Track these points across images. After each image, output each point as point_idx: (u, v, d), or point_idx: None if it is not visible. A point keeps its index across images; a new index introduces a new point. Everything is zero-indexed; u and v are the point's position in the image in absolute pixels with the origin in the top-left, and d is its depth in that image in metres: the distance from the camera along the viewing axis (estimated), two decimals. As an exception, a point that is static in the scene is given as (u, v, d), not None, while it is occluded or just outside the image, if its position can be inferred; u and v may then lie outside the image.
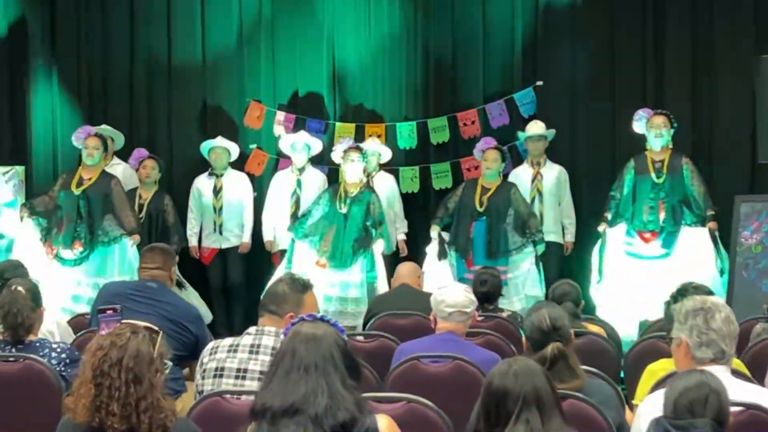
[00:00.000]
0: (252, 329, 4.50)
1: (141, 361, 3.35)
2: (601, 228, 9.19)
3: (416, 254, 9.74)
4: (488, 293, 7.09)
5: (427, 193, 10.57)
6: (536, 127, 9.80)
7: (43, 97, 10.83)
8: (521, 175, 9.80)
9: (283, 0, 10.80)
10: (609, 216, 9.17)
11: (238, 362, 4.39)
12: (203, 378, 4.45)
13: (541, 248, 9.26)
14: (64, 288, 9.04)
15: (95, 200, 9.19)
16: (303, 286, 4.60)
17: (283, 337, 3.35)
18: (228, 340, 4.51)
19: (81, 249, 9.13)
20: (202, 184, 10.15)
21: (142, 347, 3.38)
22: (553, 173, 9.80)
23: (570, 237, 9.84)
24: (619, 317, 8.47)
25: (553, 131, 9.88)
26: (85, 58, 10.92)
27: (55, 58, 10.91)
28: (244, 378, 4.36)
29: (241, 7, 10.85)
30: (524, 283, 9.10)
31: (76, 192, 9.22)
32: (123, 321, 3.86)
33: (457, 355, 5.08)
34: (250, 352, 4.39)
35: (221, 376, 4.39)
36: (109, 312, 4.50)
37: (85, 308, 8.26)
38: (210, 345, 4.58)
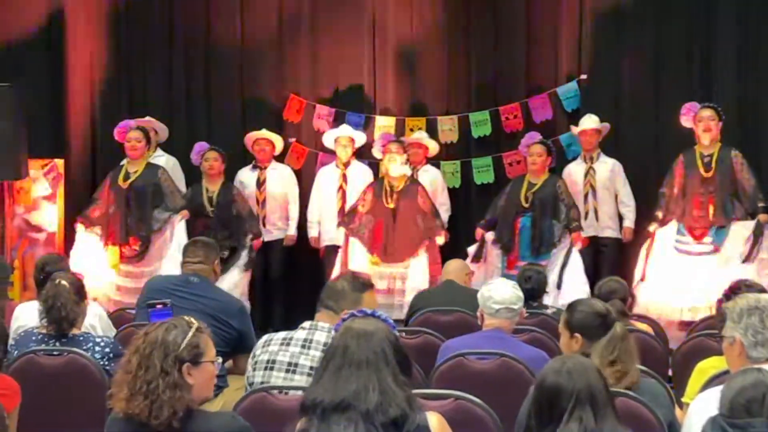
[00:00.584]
0: (306, 324, 4.52)
1: (157, 348, 3.39)
2: (651, 228, 9.09)
3: (456, 250, 9.71)
4: (533, 290, 7.04)
5: (469, 188, 10.54)
6: (589, 121, 9.72)
7: (81, 89, 10.90)
8: (574, 171, 9.74)
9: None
10: (660, 214, 9.07)
11: (290, 356, 4.42)
12: (254, 369, 4.49)
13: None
14: (126, 282, 9.19)
15: (143, 192, 9.28)
16: (363, 285, 4.62)
17: (334, 333, 3.36)
18: (282, 334, 4.54)
19: (138, 243, 9.24)
20: (246, 176, 10.16)
21: (165, 336, 3.42)
22: (607, 167, 9.71)
23: (629, 222, 9.66)
24: (664, 314, 8.43)
25: (607, 125, 9.80)
26: (124, 50, 10.98)
27: (95, 48, 10.96)
28: (294, 372, 4.38)
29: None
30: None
31: (124, 186, 9.30)
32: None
33: (503, 352, 5.08)
34: (303, 346, 4.42)
35: (272, 368, 4.42)
36: (159, 306, 4.54)
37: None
38: (265, 337, 4.62)
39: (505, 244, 9.23)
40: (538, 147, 9.34)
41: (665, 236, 9.01)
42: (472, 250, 9.30)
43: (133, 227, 9.26)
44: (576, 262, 9.02)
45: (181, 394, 3.36)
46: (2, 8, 10.80)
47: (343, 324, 3.39)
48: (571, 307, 4.75)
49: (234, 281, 9.34)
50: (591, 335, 4.45)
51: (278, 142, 10.27)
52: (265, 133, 10.21)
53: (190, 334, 3.44)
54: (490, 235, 9.32)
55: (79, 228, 9.36)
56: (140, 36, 11.01)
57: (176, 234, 9.19)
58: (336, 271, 9.30)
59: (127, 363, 3.41)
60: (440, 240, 9.25)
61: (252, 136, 10.21)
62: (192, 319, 3.52)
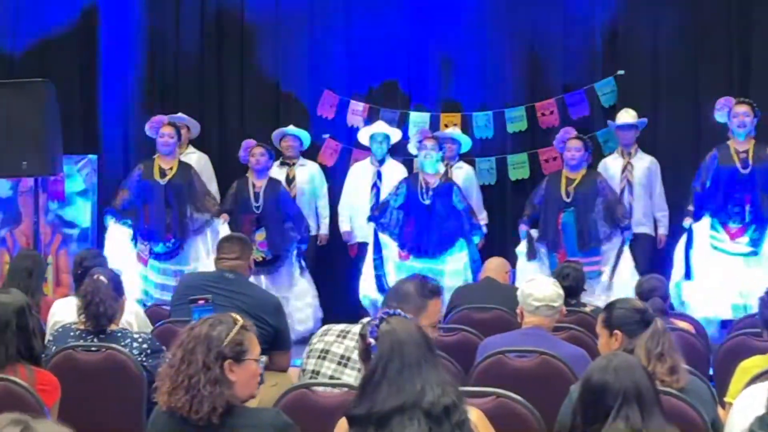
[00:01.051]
0: (366, 319, 4.53)
1: (200, 342, 3.41)
2: (686, 223, 9.04)
3: (490, 247, 9.70)
4: (571, 287, 7.01)
5: (504, 185, 10.53)
6: (627, 116, 9.69)
7: (114, 85, 10.96)
8: (611, 165, 9.70)
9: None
10: (693, 209, 9.05)
11: (344, 349, 4.44)
12: (308, 356, 4.51)
13: (628, 235, 9.13)
14: (157, 278, 9.25)
15: (180, 190, 9.31)
16: (431, 292, 4.58)
17: (372, 340, 3.34)
18: (341, 326, 4.56)
19: (172, 240, 9.27)
20: (274, 173, 10.09)
21: (209, 331, 3.44)
22: (644, 163, 9.68)
23: (663, 230, 9.67)
24: (703, 313, 8.39)
25: (644, 120, 9.75)
26: (158, 45, 11.03)
27: (127, 44, 11.02)
28: (345, 366, 4.40)
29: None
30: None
31: (162, 182, 9.33)
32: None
33: (543, 350, 5.07)
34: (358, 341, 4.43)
35: (324, 358, 4.45)
36: (201, 302, 4.57)
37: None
38: (324, 327, 4.65)
39: (551, 241, 9.18)
40: (576, 141, 9.28)
41: (700, 233, 8.96)
42: (522, 249, 9.24)
43: (171, 225, 9.30)
44: (627, 263, 9.00)
45: (221, 390, 3.38)
46: (36, 4, 10.89)
47: (381, 329, 3.37)
48: (609, 306, 4.80)
49: (304, 288, 9.43)
50: (631, 331, 4.48)
51: (306, 138, 10.27)
52: (292, 129, 10.22)
53: (234, 330, 3.45)
54: (534, 232, 9.29)
55: (109, 221, 9.41)
56: (173, 32, 11.05)
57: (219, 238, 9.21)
58: (367, 265, 9.35)
59: (172, 357, 3.44)
60: (476, 238, 9.25)
61: (279, 132, 10.23)
62: (238, 317, 3.54)
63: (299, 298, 9.55)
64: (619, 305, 4.73)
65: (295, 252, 9.57)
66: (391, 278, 8.97)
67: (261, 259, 9.35)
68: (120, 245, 9.24)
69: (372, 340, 3.30)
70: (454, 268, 9.12)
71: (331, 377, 4.40)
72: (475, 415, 3.35)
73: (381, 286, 9.15)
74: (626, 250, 9.07)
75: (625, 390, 3.27)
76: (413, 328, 3.33)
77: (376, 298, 9.16)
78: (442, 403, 3.14)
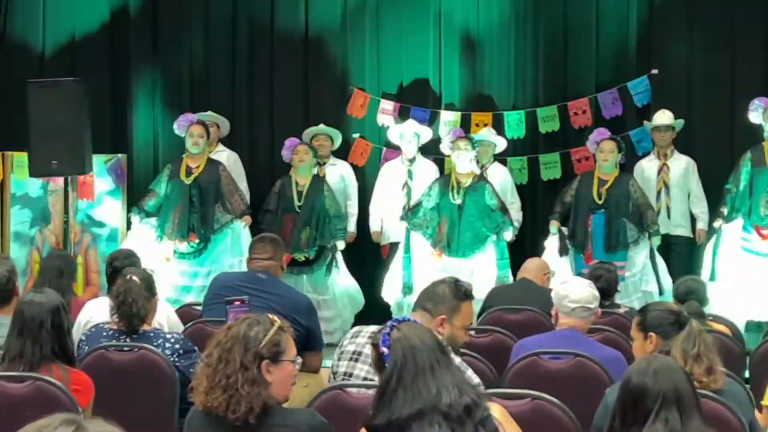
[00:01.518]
0: (374, 328, 4.54)
1: (238, 342, 3.43)
2: (716, 224, 9.05)
3: (521, 247, 9.70)
4: (604, 289, 6.99)
5: (536, 185, 10.52)
6: (663, 117, 9.65)
7: (144, 84, 11.02)
8: (646, 167, 9.67)
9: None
10: (725, 211, 9.02)
11: None
12: (339, 359, 4.52)
13: (656, 241, 9.13)
14: (176, 279, 9.26)
15: (206, 189, 9.37)
16: (464, 294, 4.59)
17: (385, 349, 3.35)
18: (371, 327, 4.56)
19: (196, 240, 9.31)
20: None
21: (247, 331, 3.46)
22: (681, 164, 9.66)
23: (702, 225, 9.60)
24: (730, 315, 8.36)
25: (681, 121, 9.72)
26: (187, 44, 11.07)
27: (157, 44, 11.07)
28: None
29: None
30: (642, 280, 9.00)
31: (187, 181, 9.38)
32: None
33: (578, 351, 5.06)
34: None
35: (357, 360, 4.46)
36: (237, 303, 4.59)
37: (193, 298, 8.41)
38: (355, 328, 4.65)
39: (579, 241, 9.20)
40: (609, 143, 9.28)
41: (731, 234, 8.94)
42: (552, 244, 9.26)
43: (195, 224, 9.33)
44: (663, 267, 8.99)
45: (258, 390, 3.40)
46: (66, 4, 10.96)
47: (392, 337, 3.37)
48: (643, 309, 4.82)
49: (344, 285, 9.50)
50: (666, 333, 4.49)
51: (337, 137, 10.28)
52: (323, 128, 10.23)
53: (272, 331, 3.48)
54: (565, 229, 9.30)
55: (134, 219, 9.45)
56: (203, 30, 11.09)
57: (242, 242, 9.26)
58: (394, 265, 9.36)
59: (208, 356, 3.46)
60: (508, 237, 9.24)
61: (310, 131, 10.23)
62: (275, 317, 3.56)
63: (342, 297, 9.55)
64: (654, 307, 4.78)
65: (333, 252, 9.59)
66: (417, 279, 9.00)
67: (303, 259, 9.38)
68: (142, 244, 9.26)
69: (385, 349, 3.31)
70: (483, 265, 9.13)
71: (365, 378, 4.41)
72: (497, 410, 3.38)
73: (404, 286, 9.21)
74: (658, 255, 9.03)
75: (665, 393, 3.27)
76: (424, 332, 3.35)
77: (400, 297, 9.19)
78: (461, 404, 3.15)
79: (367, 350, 4.46)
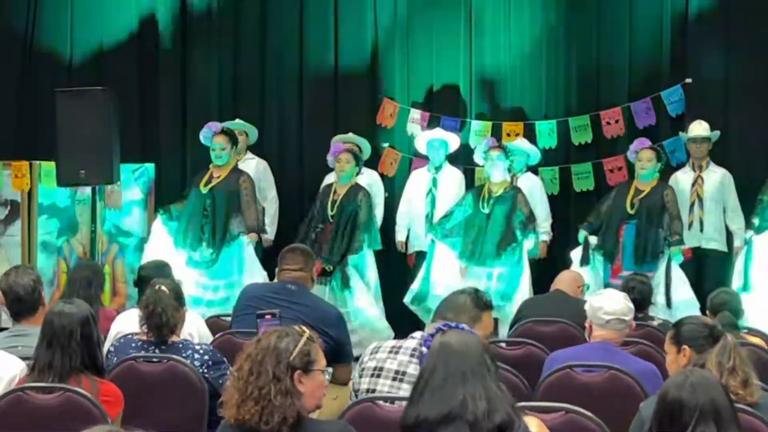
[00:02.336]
0: (417, 333, 4.56)
1: (269, 354, 3.46)
2: (748, 235, 8.99)
3: (555, 260, 9.67)
4: (637, 300, 6.96)
5: (568, 195, 10.48)
6: (699, 128, 9.57)
7: (173, 94, 11.06)
8: (681, 179, 9.59)
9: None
10: (756, 222, 8.96)
11: (398, 364, 4.46)
12: (360, 376, 4.54)
13: (675, 252, 9.03)
14: (190, 289, 9.24)
15: (221, 199, 9.32)
16: (485, 304, 4.65)
17: (425, 350, 3.38)
18: (391, 342, 4.59)
19: (209, 250, 9.29)
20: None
21: (278, 343, 3.49)
22: (716, 177, 9.58)
23: (739, 242, 9.47)
24: (765, 327, 8.31)
25: (717, 133, 9.64)
26: (216, 56, 11.11)
27: (186, 54, 11.12)
28: (401, 381, 4.42)
29: (376, 9, 10.91)
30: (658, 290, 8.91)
31: (204, 190, 9.38)
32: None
33: (612, 364, 5.05)
34: (411, 355, 4.45)
35: (379, 376, 4.47)
36: (268, 317, 4.64)
37: (204, 310, 8.40)
38: (373, 344, 4.68)
39: (609, 251, 9.15)
40: (648, 152, 9.20)
41: (764, 245, 8.88)
42: (576, 254, 9.23)
43: (206, 234, 9.31)
44: (680, 278, 8.93)
45: (292, 401, 3.43)
46: (95, 13, 11.03)
47: (436, 339, 3.40)
48: (677, 322, 4.85)
49: (368, 316, 9.46)
50: (699, 347, 4.49)
51: (366, 146, 10.28)
52: (351, 137, 10.23)
53: (302, 342, 3.51)
54: (593, 239, 9.25)
55: (157, 219, 9.47)
56: (231, 37, 11.13)
57: (244, 257, 9.25)
58: (421, 275, 9.37)
59: (239, 369, 3.48)
60: (529, 245, 9.22)
61: (338, 139, 10.23)
62: (304, 328, 3.59)
63: (372, 305, 9.54)
64: (688, 321, 4.81)
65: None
66: (437, 288, 8.99)
67: (329, 269, 9.37)
68: (164, 248, 9.28)
69: (425, 349, 3.34)
70: (505, 274, 9.12)
71: (387, 393, 4.43)
72: (534, 424, 3.39)
73: (417, 294, 9.21)
74: (675, 266, 8.98)
75: (702, 407, 3.26)
76: (471, 340, 3.36)
77: (424, 304, 9.18)
78: (493, 421, 3.15)
79: (388, 365, 4.48)
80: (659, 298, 8.82)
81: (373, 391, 4.48)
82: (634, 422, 4.12)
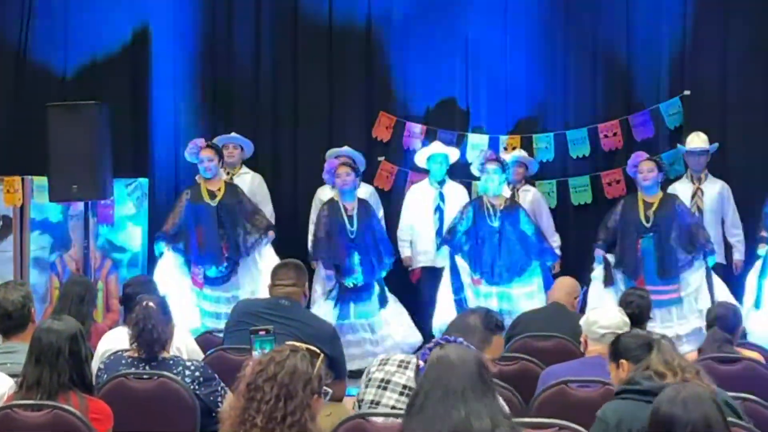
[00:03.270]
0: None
1: (297, 378, 3.47)
2: (761, 250, 8.95)
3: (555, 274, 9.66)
4: (635, 315, 6.93)
5: (566, 209, 10.47)
6: (698, 141, 9.57)
7: (165, 107, 11.07)
8: (680, 191, 9.53)
9: (415, 7, 10.84)
10: (766, 234, 8.95)
11: (406, 379, 4.45)
12: (366, 387, 4.53)
13: (712, 261, 8.99)
14: (205, 305, 9.31)
15: (232, 210, 9.34)
16: (496, 326, 4.64)
17: (422, 363, 3.37)
18: (400, 356, 4.58)
19: (225, 264, 9.31)
20: (325, 194, 10.05)
21: (300, 365, 3.48)
22: (715, 189, 9.58)
23: (739, 255, 9.51)
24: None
25: (716, 145, 9.64)
26: (209, 68, 11.13)
27: (178, 66, 11.13)
28: (408, 396, 4.41)
29: (370, 11, 10.93)
30: (697, 299, 8.86)
31: (213, 203, 9.37)
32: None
33: (606, 380, 5.04)
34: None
35: (386, 388, 4.46)
36: (262, 333, 4.63)
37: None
38: (381, 356, 4.67)
39: (630, 268, 9.00)
40: (648, 163, 9.12)
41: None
42: (598, 275, 9.11)
43: (225, 247, 9.32)
44: (720, 284, 8.93)
45: (314, 425, 3.48)
46: (88, 26, 11.03)
47: (434, 353, 3.39)
48: (615, 338, 4.80)
49: (398, 310, 9.47)
50: (636, 357, 4.48)
51: (361, 160, 10.20)
52: (347, 150, 10.21)
53: (318, 363, 3.53)
54: (611, 257, 9.11)
55: (162, 248, 9.42)
56: (225, 53, 11.15)
57: (265, 258, 9.26)
58: (441, 291, 9.30)
59: (257, 390, 3.48)
60: (550, 262, 9.23)
61: (332, 152, 10.22)
62: (314, 348, 3.60)
63: (394, 319, 9.51)
64: (624, 335, 4.77)
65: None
66: (471, 303, 8.97)
67: (352, 285, 9.35)
68: (172, 273, 9.29)
69: (422, 363, 3.33)
70: (527, 292, 9.10)
71: (393, 407, 4.41)
72: None
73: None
74: (714, 274, 8.95)
75: (694, 423, 3.26)
76: (470, 356, 3.35)
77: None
78: None
79: (397, 378, 4.46)
80: (701, 304, 8.76)
81: (378, 403, 4.48)
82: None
